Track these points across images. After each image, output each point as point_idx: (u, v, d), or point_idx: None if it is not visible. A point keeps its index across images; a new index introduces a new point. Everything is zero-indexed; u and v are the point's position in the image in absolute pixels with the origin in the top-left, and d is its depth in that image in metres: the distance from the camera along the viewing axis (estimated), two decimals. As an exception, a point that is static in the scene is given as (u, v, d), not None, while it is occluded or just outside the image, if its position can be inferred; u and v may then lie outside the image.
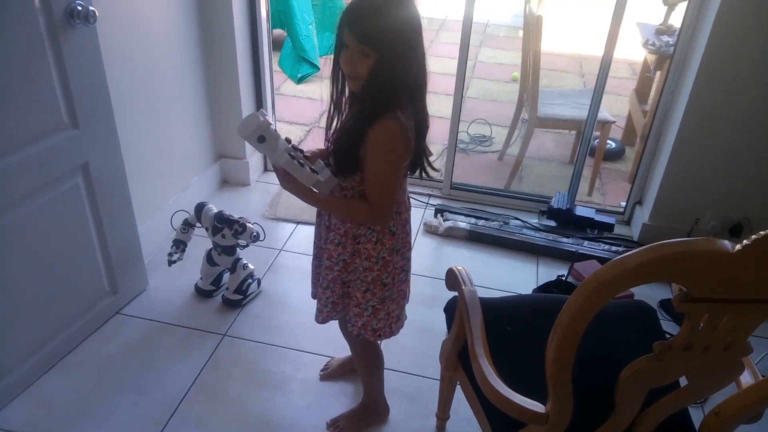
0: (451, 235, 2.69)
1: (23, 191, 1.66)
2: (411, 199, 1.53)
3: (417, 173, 1.43)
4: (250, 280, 2.22)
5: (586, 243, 2.63)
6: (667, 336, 1.59)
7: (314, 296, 1.66)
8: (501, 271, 2.50)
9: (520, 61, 3.35)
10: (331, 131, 1.40)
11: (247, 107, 2.82)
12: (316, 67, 4.41)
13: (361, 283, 1.47)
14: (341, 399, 1.88)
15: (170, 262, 2.13)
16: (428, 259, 2.56)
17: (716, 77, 2.27)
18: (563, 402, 1.05)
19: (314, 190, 1.35)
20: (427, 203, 2.90)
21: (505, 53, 5.41)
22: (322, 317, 1.57)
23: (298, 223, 2.71)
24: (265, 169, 3.13)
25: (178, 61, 2.45)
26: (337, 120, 1.39)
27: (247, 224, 2.09)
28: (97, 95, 1.80)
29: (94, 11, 1.66)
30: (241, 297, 2.20)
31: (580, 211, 2.75)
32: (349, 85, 1.32)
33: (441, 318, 1.59)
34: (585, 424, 1.16)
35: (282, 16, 4.30)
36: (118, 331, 2.08)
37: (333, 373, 1.95)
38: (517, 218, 2.78)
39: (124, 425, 1.76)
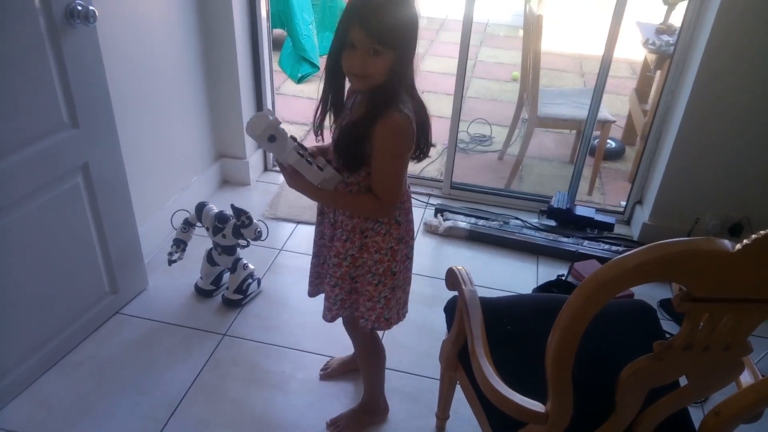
0: (451, 234, 2.69)
1: (23, 191, 1.66)
2: (411, 199, 1.53)
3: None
4: (250, 280, 2.22)
5: (586, 243, 2.63)
6: (667, 336, 1.58)
7: (311, 295, 1.66)
8: (501, 271, 2.50)
9: (520, 61, 3.35)
10: (331, 130, 1.40)
11: (247, 107, 2.82)
12: (316, 67, 4.41)
13: (372, 276, 1.47)
14: (341, 399, 1.89)
15: (170, 262, 2.13)
16: (428, 258, 2.55)
17: (716, 77, 2.27)
18: (563, 401, 1.05)
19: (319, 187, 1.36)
20: (427, 203, 2.90)
21: (505, 53, 5.41)
22: (330, 315, 1.56)
23: (298, 222, 2.71)
24: (265, 169, 3.14)
25: (178, 61, 2.45)
26: (332, 118, 1.39)
27: (253, 219, 2.09)
28: (97, 95, 1.80)
29: (94, 11, 1.66)
30: (241, 297, 2.20)
31: (580, 210, 2.75)
32: (354, 84, 1.30)
33: (441, 318, 1.59)
34: (585, 423, 1.16)
35: (282, 16, 4.30)
36: (118, 331, 2.08)
37: (333, 372, 1.95)
38: (517, 218, 2.78)
39: (124, 425, 1.77)
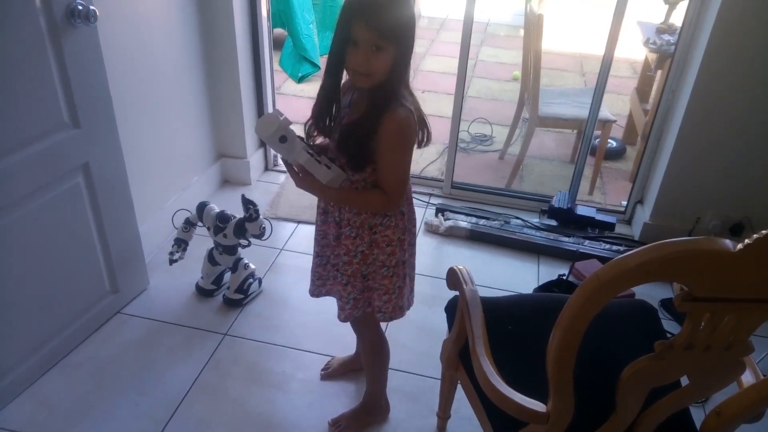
0: (452, 234, 2.68)
1: (24, 191, 1.66)
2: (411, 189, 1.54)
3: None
4: (251, 280, 2.22)
5: (587, 242, 2.63)
6: (669, 335, 1.58)
7: (313, 295, 1.66)
8: (502, 271, 2.50)
9: (521, 60, 3.34)
10: (332, 127, 1.40)
11: (247, 107, 2.82)
12: (316, 67, 4.41)
13: (387, 270, 1.49)
14: (342, 398, 1.88)
15: (171, 261, 2.13)
16: (429, 258, 2.55)
17: (717, 76, 2.26)
18: (564, 401, 1.05)
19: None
20: (428, 202, 2.90)
21: (505, 52, 5.41)
22: (344, 315, 1.57)
23: (299, 222, 2.71)
24: (266, 169, 3.14)
25: (178, 61, 2.45)
26: (330, 118, 1.39)
27: (260, 215, 2.09)
28: (97, 95, 1.80)
29: (94, 11, 1.66)
30: (242, 296, 2.20)
31: (581, 210, 2.75)
32: (357, 82, 1.31)
33: (442, 317, 1.59)
34: (586, 423, 1.16)
35: (282, 16, 4.30)
36: (119, 331, 2.08)
37: (334, 372, 1.95)
38: (518, 217, 2.78)
39: (124, 425, 1.77)
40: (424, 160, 3.32)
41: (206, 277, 2.24)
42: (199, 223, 2.16)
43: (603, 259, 2.44)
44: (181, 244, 2.15)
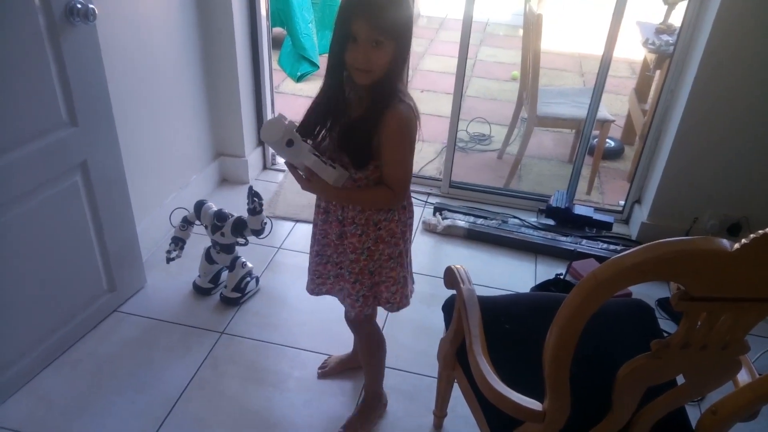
0: (449, 233, 2.69)
1: (22, 189, 1.65)
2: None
3: None
4: (248, 278, 2.22)
5: (584, 242, 2.63)
6: (665, 335, 1.59)
7: (312, 293, 1.66)
8: (499, 270, 2.50)
9: (520, 60, 3.35)
10: (331, 127, 1.40)
11: (246, 105, 2.82)
12: (315, 66, 4.41)
13: (393, 262, 1.50)
14: (339, 397, 1.89)
15: (169, 260, 2.13)
16: (427, 257, 2.56)
17: (716, 77, 2.27)
18: (560, 400, 1.05)
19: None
20: (426, 201, 2.90)
21: (504, 52, 5.41)
22: (355, 312, 1.57)
23: (296, 221, 2.71)
24: (264, 168, 3.13)
25: (177, 59, 2.45)
26: (332, 117, 1.39)
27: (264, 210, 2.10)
28: (96, 93, 1.80)
29: (93, 9, 1.66)
30: (239, 295, 2.20)
31: (579, 209, 2.75)
32: (358, 79, 1.31)
33: (439, 316, 1.59)
34: (582, 422, 1.16)
35: (282, 15, 4.30)
36: (116, 329, 2.08)
37: (331, 371, 1.95)
38: (515, 217, 2.78)
39: (122, 422, 1.77)
40: (423, 159, 3.32)
41: (203, 276, 2.24)
42: (197, 222, 2.16)
43: (600, 259, 2.44)
44: (178, 242, 2.15)
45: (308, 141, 1.40)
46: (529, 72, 3.07)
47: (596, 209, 2.80)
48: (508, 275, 2.47)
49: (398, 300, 1.57)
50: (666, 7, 3.32)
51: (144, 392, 1.86)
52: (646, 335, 1.35)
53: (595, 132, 3.00)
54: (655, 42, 3.14)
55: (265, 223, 2.10)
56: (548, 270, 2.49)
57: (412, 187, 1.49)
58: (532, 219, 2.77)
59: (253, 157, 2.98)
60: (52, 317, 1.90)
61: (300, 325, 2.14)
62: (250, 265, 2.24)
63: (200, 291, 2.25)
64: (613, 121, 3.19)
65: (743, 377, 1.21)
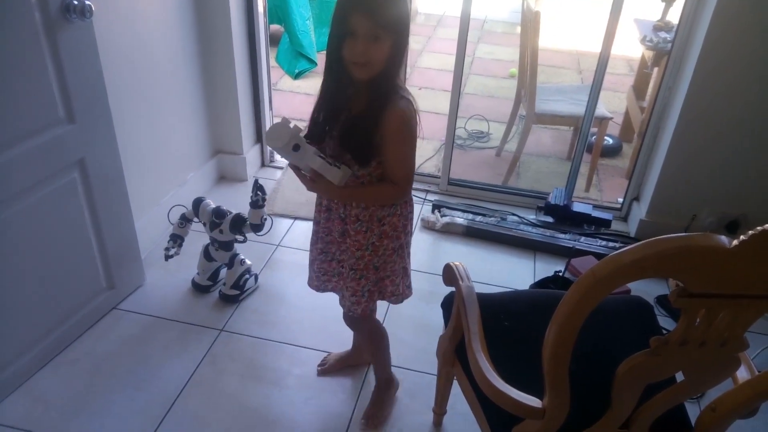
0: (448, 230, 2.69)
1: (19, 187, 1.65)
2: None
3: None
4: (247, 276, 2.21)
5: (583, 239, 2.63)
6: (664, 331, 1.59)
7: (318, 290, 1.67)
8: (498, 267, 2.50)
9: (518, 58, 3.34)
10: (335, 125, 1.40)
11: (244, 103, 2.82)
12: (313, 63, 4.40)
13: (397, 255, 1.53)
14: (339, 394, 1.89)
15: (167, 257, 2.13)
16: (425, 254, 2.56)
17: (714, 73, 2.27)
18: (560, 397, 1.06)
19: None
20: (425, 199, 2.90)
21: (502, 49, 5.40)
22: (361, 309, 1.58)
23: (295, 218, 2.71)
24: (263, 165, 3.13)
25: (174, 56, 2.44)
26: (333, 114, 1.39)
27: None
28: (93, 90, 1.80)
29: (90, 5, 1.65)
30: (238, 292, 2.20)
31: (578, 207, 2.75)
32: (356, 74, 1.30)
33: (438, 313, 1.59)
34: (581, 419, 1.16)
35: (279, 12, 4.29)
36: (115, 327, 2.08)
37: (330, 368, 1.95)
38: (514, 214, 2.78)
39: (120, 421, 1.76)
40: (421, 157, 3.32)
41: (202, 273, 2.24)
42: (195, 219, 2.16)
43: (599, 256, 2.44)
44: (176, 239, 2.14)
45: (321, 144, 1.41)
46: (527, 69, 3.07)
47: (595, 206, 2.80)
48: (507, 272, 2.47)
49: (402, 291, 1.60)
50: (664, 4, 3.31)
51: (143, 390, 1.86)
52: (645, 332, 1.35)
53: (594, 129, 3.00)
54: (652, 39, 3.13)
55: (265, 219, 2.09)
56: (547, 267, 2.49)
57: (411, 185, 1.49)
58: (531, 216, 2.77)
59: (251, 154, 2.98)
60: (50, 315, 1.89)
61: (299, 322, 2.14)
62: (248, 262, 2.23)
63: (199, 288, 2.25)
64: (611, 118, 3.19)
65: (742, 374, 1.21)
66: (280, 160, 3.14)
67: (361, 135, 1.34)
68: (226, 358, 1.98)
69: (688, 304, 0.93)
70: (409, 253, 1.61)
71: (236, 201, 2.70)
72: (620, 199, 2.90)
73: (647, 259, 0.87)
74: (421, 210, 2.80)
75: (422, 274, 2.38)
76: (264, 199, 2.06)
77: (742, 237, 0.85)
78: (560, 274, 2.35)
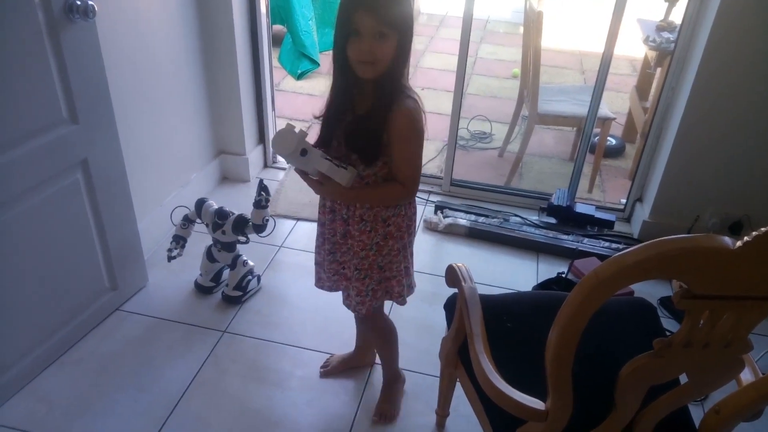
0: (451, 231, 2.68)
1: (22, 187, 1.65)
2: None
3: None
4: (249, 277, 2.21)
5: (586, 240, 2.63)
6: (668, 333, 1.58)
7: (331, 289, 1.67)
8: (501, 268, 2.50)
9: (521, 58, 3.34)
10: (340, 125, 1.39)
11: (247, 103, 2.82)
12: (316, 63, 4.41)
13: (401, 255, 1.54)
14: (341, 396, 1.88)
15: (170, 258, 2.13)
16: (428, 256, 2.55)
17: (717, 74, 2.26)
18: (563, 399, 1.05)
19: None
20: (427, 200, 2.90)
21: (505, 49, 5.40)
22: (365, 308, 1.59)
23: (298, 219, 2.71)
24: (265, 166, 3.13)
25: (177, 57, 2.45)
26: (338, 115, 1.39)
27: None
28: (96, 90, 1.80)
29: (93, 6, 1.65)
30: (240, 293, 2.20)
31: (580, 208, 2.75)
32: (362, 73, 1.30)
33: (441, 315, 1.59)
34: (585, 421, 1.16)
35: (282, 12, 4.30)
36: (118, 328, 2.08)
37: (333, 370, 1.95)
38: (517, 215, 2.77)
39: (123, 422, 1.77)
40: (424, 158, 3.29)
41: (205, 274, 2.24)
42: (198, 220, 2.16)
43: (602, 257, 2.44)
44: (179, 240, 2.14)
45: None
46: (530, 69, 3.06)
47: (598, 207, 2.80)
48: (510, 274, 2.47)
49: (404, 291, 1.60)
50: (667, 4, 3.31)
51: (146, 391, 1.86)
52: (648, 334, 1.35)
53: (596, 130, 3.00)
54: (656, 39, 3.13)
55: (267, 220, 2.09)
56: (550, 268, 2.49)
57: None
58: (534, 217, 2.77)
59: (254, 155, 2.98)
60: (53, 316, 1.90)
61: (302, 323, 2.14)
62: (251, 263, 2.23)
63: (202, 289, 2.25)
64: (614, 118, 3.19)
65: (746, 376, 1.20)
66: (283, 161, 3.14)
67: (367, 134, 1.34)
68: (229, 360, 1.98)
69: (691, 305, 0.93)
70: (411, 253, 1.62)
71: (239, 202, 2.71)
72: (623, 200, 2.89)
73: (650, 261, 0.87)
74: (423, 211, 2.80)
75: (425, 276, 2.38)
76: (267, 200, 2.06)
77: (745, 238, 0.84)
78: (563, 275, 2.34)
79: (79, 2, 1.62)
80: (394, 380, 1.87)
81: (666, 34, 3.15)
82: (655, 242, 0.86)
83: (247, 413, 1.81)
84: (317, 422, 1.80)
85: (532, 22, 3.00)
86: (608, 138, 3.30)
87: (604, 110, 2.98)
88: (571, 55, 5.32)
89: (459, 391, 1.56)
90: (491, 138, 3.70)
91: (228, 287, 2.20)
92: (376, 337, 1.80)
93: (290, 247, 2.54)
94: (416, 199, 1.54)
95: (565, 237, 2.64)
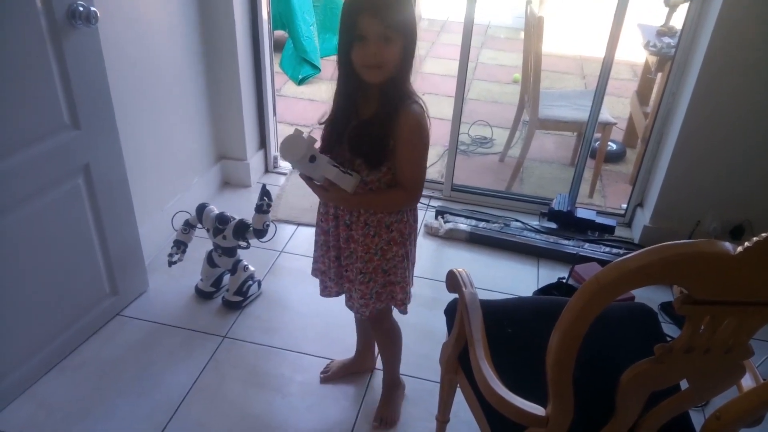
0: (451, 237, 2.68)
1: (24, 192, 1.66)
2: None
3: None
4: (250, 282, 2.21)
5: (586, 245, 2.62)
6: (668, 339, 1.58)
7: (338, 294, 1.67)
8: (502, 274, 2.50)
9: (521, 63, 3.35)
10: (344, 131, 1.40)
11: (248, 108, 2.82)
12: (317, 69, 4.42)
13: (406, 262, 1.55)
14: (341, 402, 1.88)
15: (170, 263, 2.13)
16: (429, 261, 2.55)
17: (717, 79, 2.26)
18: (564, 405, 1.05)
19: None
20: (428, 205, 2.90)
21: (506, 55, 5.41)
22: (369, 310, 1.59)
23: (298, 224, 2.71)
24: (266, 171, 3.13)
25: (179, 63, 2.45)
26: (344, 119, 1.39)
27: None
28: (98, 96, 1.80)
29: (95, 12, 1.66)
30: (241, 299, 2.20)
31: (581, 213, 2.74)
32: (369, 77, 1.31)
33: (441, 320, 1.58)
34: (585, 427, 1.16)
35: (283, 18, 4.31)
36: (119, 333, 2.08)
37: (333, 375, 1.95)
38: (517, 220, 2.77)
39: (124, 427, 1.76)
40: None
41: (205, 279, 2.24)
42: (199, 225, 2.16)
43: (603, 262, 2.43)
44: (180, 246, 2.14)
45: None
46: (531, 75, 3.07)
47: (598, 212, 2.79)
48: (511, 279, 2.47)
49: (407, 298, 1.61)
50: (667, 9, 3.31)
51: (146, 396, 1.85)
52: (649, 339, 1.35)
53: (597, 135, 3.00)
54: (656, 44, 3.13)
55: (268, 225, 2.09)
56: (551, 273, 2.49)
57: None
58: (535, 222, 2.77)
59: (255, 160, 2.98)
60: (54, 321, 1.90)
61: (302, 329, 2.14)
62: (252, 268, 2.23)
63: (202, 295, 2.25)
64: (615, 123, 3.19)
65: (747, 382, 1.20)
66: (284, 166, 3.14)
67: (372, 139, 1.34)
68: (229, 365, 1.98)
69: (692, 311, 0.92)
70: (413, 263, 1.62)
71: (240, 207, 2.71)
72: (624, 205, 2.89)
73: (651, 266, 0.87)
74: (424, 216, 2.80)
75: (425, 281, 2.38)
76: (269, 205, 2.06)
77: (746, 243, 0.84)
78: (564, 280, 2.34)
79: (81, 8, 1.63)
80: (394, 386, 1.86)
81: (666, 39, 3.15)
82: (656, 247, 0.86)
83: (248, 418, 1.81)
84: (317, 427, 1.79)
85: (533, 28, 3.01)
86: (609, 143, 3.30)
87: (605, 115, 2.98)
88: (571, 60, 5.33)
89: (459, 397, 1.55)
90: (492, 143, 3.70)
91: (228, 292, 2.20)
92: (382, 337, 1.79)
93: (291, 252, 2.54)
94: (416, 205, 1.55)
95: (565, 242, 2.64)
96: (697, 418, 1.28)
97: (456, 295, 1.48)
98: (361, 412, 1.85)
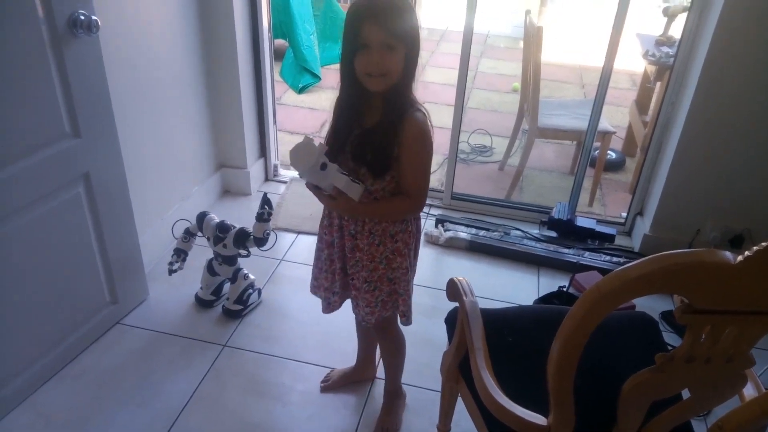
0: (451, 245, 2.68)
1: (25, 200, 1.66)
2: None
3: None
4: (250, 291, 2.21)
5: (587, 254, 2.62)
6: (669, 348, 1.58)
7: (340, 305, 1.67)
8: (502, 282, 2.49)
9: (521, 72, 3.36)
10: (347, 139, 1.40)
11: (248, 117, 2.83)
12: (317, 77, 4.43)
13: (412, 273, 1.56)
14: (342, 411, 1.87)
15: (171, 271, 2.13)
16: (429, 269, 2.55)
17: (716, 88, 2.27)
18: (565, 414, 1.05)
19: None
20: (428, 213, 2.90)
21: (505, 64, 5.44)
22: (375, 317, 1.58)
23: (299, 233, 2.71)
24: (266, 179, 3.14)
25: (179, 71, 2.46)
26: (347, 128, 1.39)
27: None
28: (99, 105, 1.81)
29: (96, 21, 1.67)
30: (241, 307, 2.19)
31: (581, 221, 2.75)
32: (372, 86, 1.31)
33: (442, 329, 1.58)
34: (587, 436, 1.15)
35: (283, 26, 4.33)
36: (119, 342, 2.07)
37: (333, 384, 1.94)
38: (517, 229, 2.77)
39: (123, 436, 1.76)
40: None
41: (206, 288, 2.24)
42: (199, 234, 2.16)
43: (603, 271, 2.43)
44: (180, 254, 2.14)
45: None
46: (530, 84, 3.08)
47: (598, 221, 2.80)
48: (511, 287, 2.46)
49: (408, 310, 1.61)
50: (666, 18, 3.33)
51: (146, 405, 1.85)
52: (650, 348, 1.35)
53: (596, 144, 3.00)
54: (655, 54, 3.15)
55: (268, 234, 2.09)
56: (551, 282, 2.49)
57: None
58: (535, 231, 2.77)
59: (255, 168, 2.99)
60: (53, 330, 1.89)
61: (302, 337, 2.13)
62: (252, 277, 2.23)
63: (202, 303, 2.25)
64: (614, 132, 3.20)
65: (749, 392, 1.20)
66: (284, 175, 3.15)
67: (376, 147, 1.34)
68: (229, 374, 1.98)
69: (693, 320, 0.92)
70: (414, 272, 1.62)
71: (240, 215, 2.71)
72: (624, 214, 2.90)
73: (652, 275, 0.87)
74: (424, 224, 2.80)
75: (426, 289, 2.37)
76: (270, 214, 2.06)
77: (747, 253, 0.84)
78: (564, 289, 2.34)
79: (82, 17, 1.64)
80: (396, 395, 1.86)
81: (665, 49, 3.17)
82: (657, 257, 0.86)
83: (248, 428, 1.80)
84: (318, 437, 1.79)
85: (532, 37, 3.02)
86: (608, 152, 3.30)
87: (604, 124, 2.99)
88: (571, 69, 5.35)
89: (460, 406, 1.55)
90: (492, 152, 3.71)
91: (228, 301, 2.20)
92: (387, 343, 1.78)
93: (291, 261, 2.54)
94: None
95: (566, 250, 2.64)
96: (699, 428, 1.27)
97: (456, 304, 1.48)
98: (361, 421, 1.85)
